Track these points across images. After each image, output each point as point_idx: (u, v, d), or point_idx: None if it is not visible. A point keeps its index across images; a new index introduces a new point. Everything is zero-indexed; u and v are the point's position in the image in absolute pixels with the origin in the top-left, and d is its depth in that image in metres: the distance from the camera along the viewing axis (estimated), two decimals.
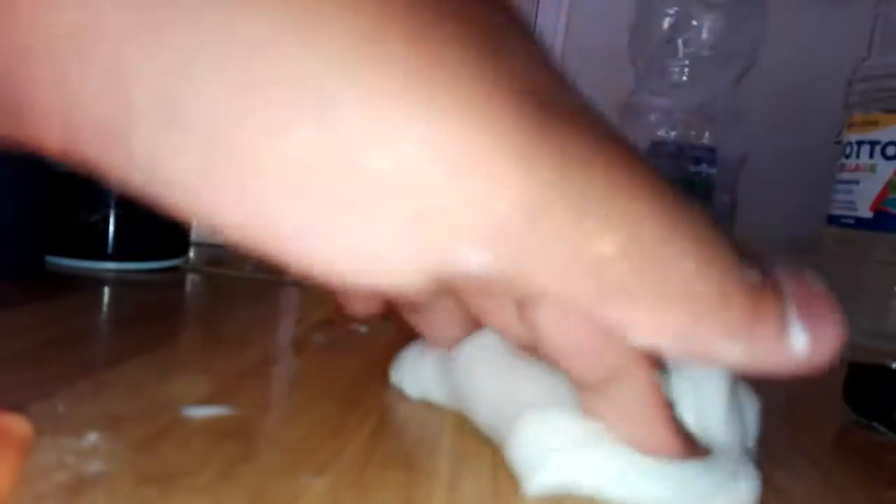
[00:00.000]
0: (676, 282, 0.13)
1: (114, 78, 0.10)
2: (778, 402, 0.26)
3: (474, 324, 0.18)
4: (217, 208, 0.11)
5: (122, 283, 0.31)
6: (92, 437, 0.15)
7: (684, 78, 0.45)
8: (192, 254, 0.40)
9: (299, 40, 0.10)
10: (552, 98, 0.12)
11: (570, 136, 0.12)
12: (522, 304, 0.14)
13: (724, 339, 0.13)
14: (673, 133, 0.45)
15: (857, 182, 0.39)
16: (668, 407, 0.15)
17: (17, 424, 0.13)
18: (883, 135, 0.38)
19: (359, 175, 0.11)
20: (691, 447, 0.15)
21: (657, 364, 0.15)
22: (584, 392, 0.15)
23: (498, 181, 0.11)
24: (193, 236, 0.41)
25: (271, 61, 0.10)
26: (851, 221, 0.40)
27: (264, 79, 0.10)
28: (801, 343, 0.14)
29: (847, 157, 0.40)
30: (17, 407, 0.14)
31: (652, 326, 0.13)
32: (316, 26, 0.10)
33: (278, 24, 0.10)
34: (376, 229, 0.11)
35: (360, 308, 0.20)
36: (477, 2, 0.12)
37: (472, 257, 0.12)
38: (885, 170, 0.38)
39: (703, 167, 0.44)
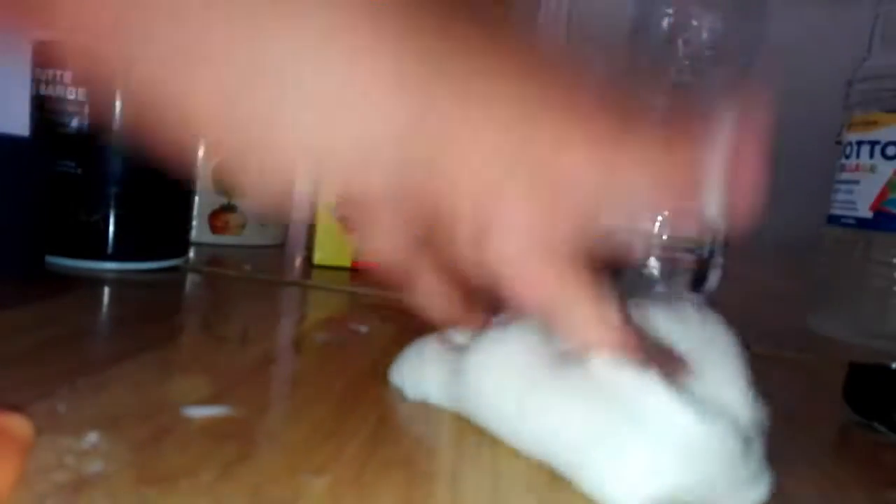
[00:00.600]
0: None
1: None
2: (778, 402, 0.26)
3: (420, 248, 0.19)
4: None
5: (122, 283, 0.31)
6: (92, 437, 0.15)
7: (684, 78, 0.45)
8: (192, 254, 0.40)
9: None
10: (434, 25, 0.15)
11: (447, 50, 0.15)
12: (474, 238, 0.16)
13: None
14: None
15: (857, 182, 0.39)
16: (630, 336, 0.16)
17: (18, 424, 0.13)
18: (883, 135, 0.38)
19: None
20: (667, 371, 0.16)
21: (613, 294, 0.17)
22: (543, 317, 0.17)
23: (376, 112, 0.15)
24: (193, 236, 0.41)
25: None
26: (851, 221, 0.40)
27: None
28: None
29: (847, 157, 0.40)
30: (17, 407, 0.14)
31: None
32: None
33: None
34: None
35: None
36: None
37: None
38: (885, 170, 0.38)
39: None
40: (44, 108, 0.32)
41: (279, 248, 0.49)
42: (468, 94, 0.15)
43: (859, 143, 0.39)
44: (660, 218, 0.42)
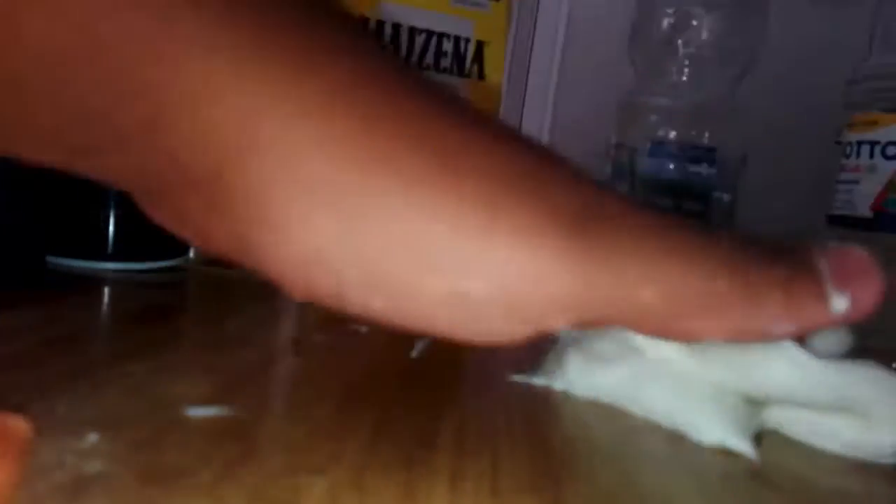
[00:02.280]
0: (715, 301, 0.16)
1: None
2: None
3: None
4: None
5: (122, 283, 0.31)
6: (92, 437, 0.15)
7: (684, 78, 0.45)
8: (192, 254, 0.40)
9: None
10: (586, 203, 0.16)
11: (606, 231, 0.15)
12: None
13: (772, 325, 0.17)
14: (673, 133, 0.45)
15: (857, 182, 0.39)
16: None
17: (18, 425, 0.13)
18: (883, 135, 0.38)
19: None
20: None
21: None
22: None
23: (556, 299, 0.15)
24: None
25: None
26: (851, 221, 0.40)
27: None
28: (842, 305, 0.17)
29: (847, 157, 0.40)
30: (17, 407, 0.14)
31: (709, 334, 0.17)
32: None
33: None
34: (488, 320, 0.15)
35: None
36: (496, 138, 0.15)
37: (557, 324, 0.16)
38: (885, 170, 0.38)
39: (703, 167, 0.44)
40: None
41: None
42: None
43: (859, 143, 0.39)
44: None
